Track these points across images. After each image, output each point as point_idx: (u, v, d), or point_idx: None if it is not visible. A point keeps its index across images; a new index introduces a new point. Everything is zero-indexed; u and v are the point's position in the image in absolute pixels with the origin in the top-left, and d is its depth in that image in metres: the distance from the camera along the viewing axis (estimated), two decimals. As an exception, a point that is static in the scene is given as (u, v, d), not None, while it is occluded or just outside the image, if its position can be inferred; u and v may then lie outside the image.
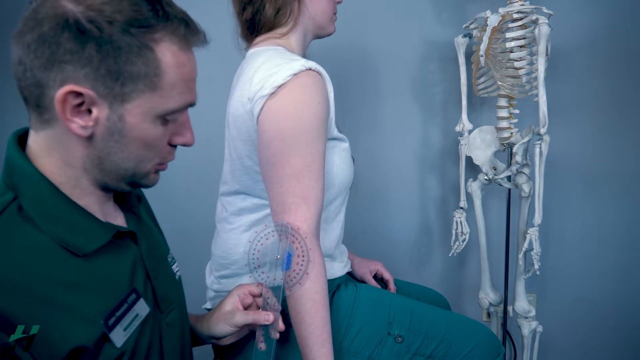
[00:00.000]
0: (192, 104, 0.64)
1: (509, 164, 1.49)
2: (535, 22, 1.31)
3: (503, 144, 1.50)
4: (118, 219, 0.70)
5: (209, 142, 1.52)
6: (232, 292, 0.88)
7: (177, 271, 0.81)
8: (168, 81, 0.59)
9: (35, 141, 0.62)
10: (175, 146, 0.67)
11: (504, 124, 1.48)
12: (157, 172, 0.67)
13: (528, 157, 1.45)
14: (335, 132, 0.98)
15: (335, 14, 1.08)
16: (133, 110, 0.59)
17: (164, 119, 0.61)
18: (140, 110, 0.59)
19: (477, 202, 1.56)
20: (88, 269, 0.60)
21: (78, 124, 0.58)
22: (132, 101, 0.58)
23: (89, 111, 0.58)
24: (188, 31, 0.61)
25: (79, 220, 0.61)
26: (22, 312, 0.52)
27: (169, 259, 0.80)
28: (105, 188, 0.64)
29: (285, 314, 0.87)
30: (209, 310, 1.07)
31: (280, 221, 0.85)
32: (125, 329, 0.61)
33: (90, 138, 0.59)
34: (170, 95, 0.60)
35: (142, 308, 0.65)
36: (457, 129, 1.55)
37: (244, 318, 0.82)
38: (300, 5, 1.01)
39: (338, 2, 1.07)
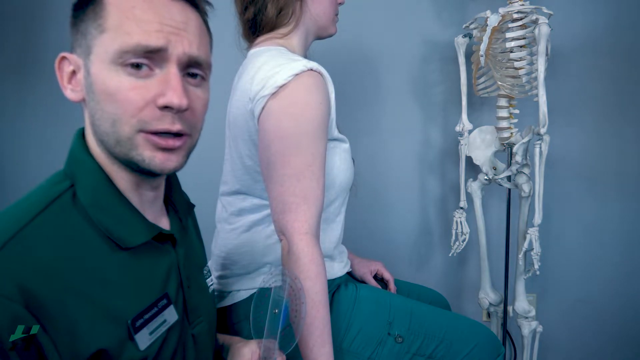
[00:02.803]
0: (147, 48, 0.57)
1: (509, 164, 1.49)
2: (535, 22, 1.31)
3: (503, 144, 1.50)
4: (163, 222, 0.70)
5: (209, 142, 1.52)
6: (253, 344, 0.80)
7: (211, 285, 0.80)
8: (114, 22, 0.58)
9: (87, 130, 0.64)
10: (165, 109, 0.59)
11: (504, 124, 1.48)
12: (157, 149, 0.59)
13: (528, 157, 1.45)
14: (335, 133, 0.98)
15: (336, 15, 1.08)
16: (94, 60, 0.59)
17: (123, 65, 0.58)
18: (98, 58, 0.59)
19: (477, 202, 1.56)
20: (125, 266, 0.60)
21: (69, 88, 0.62)
22: (93, 51, 0.59)
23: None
24: None
25: (125, 214, 0.62)
26: (56, 301, 0.53)
27: (205, 272, 0.79)
28: (128, 165, 0.62)
29: None
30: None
31: (282, 269, 0.80)
32: (151, 333, 0.61)
33: (85, 103, 0.62)
34: (118, 36, 0.58)
35: (171, 315, 0.65)
36: (457, 129, 1.55)
37: None
38: (302, 6, 1.01)
39: (340, 3, 1.07)
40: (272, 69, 0.88)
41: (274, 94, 0.87)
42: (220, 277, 1.04)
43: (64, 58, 0.62)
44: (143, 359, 0.59)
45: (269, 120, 0.88)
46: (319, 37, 1.08)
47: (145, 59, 0.58)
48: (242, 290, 1.00)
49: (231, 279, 1.02)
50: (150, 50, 0.58)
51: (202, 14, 0.66)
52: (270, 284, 0.77)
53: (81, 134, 0.65)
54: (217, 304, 1.04)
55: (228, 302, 1.01)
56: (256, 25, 1.02)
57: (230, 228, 1.02)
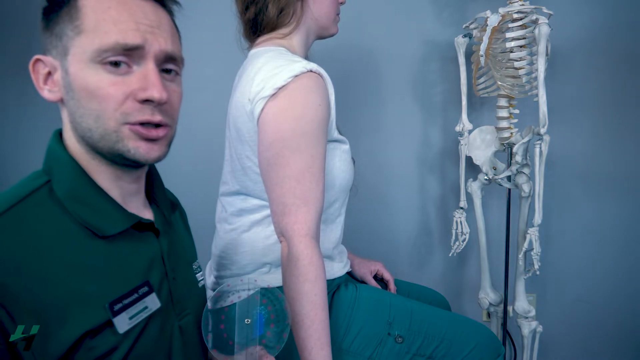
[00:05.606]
0: (126, 46, 0.61)
1: (509, 164, 1.49)
2: (535, 22, 1.31)
3: (503, 144, 1.50)
4: (145, 214, 0.72)
5: (209, 142, 1.52)
6: None
7: (202, 280, 0.81)
8: (90, 23, 0.61)
9: (64, 129, 0.67)
10: (146, 102, 0.62)
11: (504, 124, 1.48)
12: (140, 139, 0.63)
13: (528, 157, 1.45)
14: (335, 134, 0.98)
15: (338, 14, 1.07)
16: (72, 60, 0.62)
17: (102, 63, 0.61)
18: (76, 57, 0.61)
19: (477, 202, 1.56)
20: (105, 254, 0.62)
21: (46, 89, 0.65)
22: (70, 52, 0.62)
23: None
24: None
25: (102, 204, 0.64)
26: (23, 289, 0.54)
27: (194, 267, 0.80)
28: (113, 161, 0.65)
29: None
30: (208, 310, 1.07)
31: (252, 280, 0.81)
32: (131, 318, 0.62)
33: (62, 103, 0.65)
34: (96, 36, 0.60)
35: (153, 302, 0.66)
36: (457, 129, 1.55)
37: None
38: (303, 6, 1.00)
39: (341, 3, 1.07)
40: (272, 70, 0.88)
41: (273, 96, 0.87)
42: (219, 277, 1.04)
43: (38, 60, 0.64)
44: (121, 343, 0.61)
45: (268, 121, 0.88)
46: (320, 37, 1.08)
47: (123, 56, 0.61)
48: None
49: (231, 279, 1.02)
50: (129, 47, 0.61)
51: (171, 14, 0.69)
52: (234, 299, 0.77)
53: (58, 134, 0.68)
54: (216, 304, 1.04)
55: (227, 302, 1.01)
56: (257, 25, 1.01)
57: (230, 228, 1.02)
